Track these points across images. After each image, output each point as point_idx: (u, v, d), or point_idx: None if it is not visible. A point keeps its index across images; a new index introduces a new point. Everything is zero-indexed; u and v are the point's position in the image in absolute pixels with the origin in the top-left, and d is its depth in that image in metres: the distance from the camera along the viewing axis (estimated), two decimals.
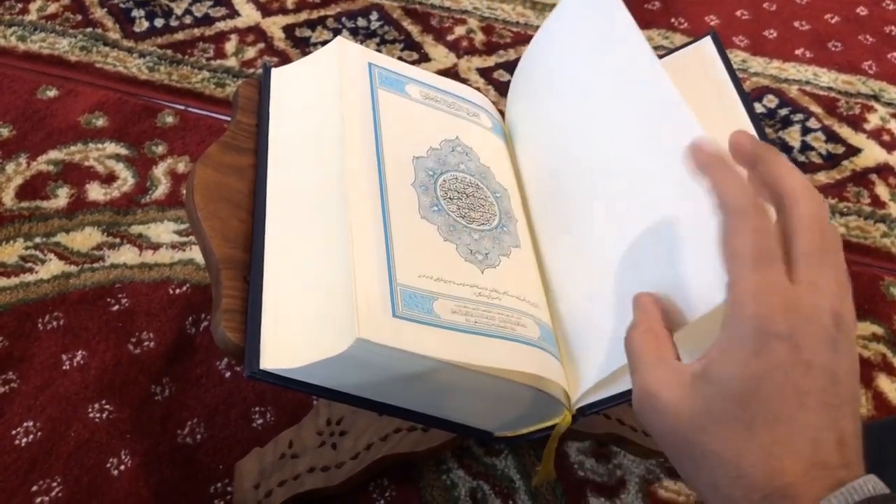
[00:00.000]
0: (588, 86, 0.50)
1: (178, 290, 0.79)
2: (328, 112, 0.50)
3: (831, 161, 0.98)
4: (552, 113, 0.52)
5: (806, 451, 0.31)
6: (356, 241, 0.42)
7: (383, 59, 0.55)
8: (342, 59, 0.52)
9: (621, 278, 0.44)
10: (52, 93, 0.97)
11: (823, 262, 0.34)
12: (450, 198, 0.48)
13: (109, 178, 0.88)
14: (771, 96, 1.05)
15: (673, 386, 0.35)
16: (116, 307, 0.77)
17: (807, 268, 0.33)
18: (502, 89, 1.03)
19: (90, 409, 0.71)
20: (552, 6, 1.16)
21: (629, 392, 0.42)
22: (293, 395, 0.71)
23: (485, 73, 1.06)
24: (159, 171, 0.90)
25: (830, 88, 1.07)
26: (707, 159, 0.36)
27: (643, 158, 0.44)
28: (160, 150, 0.92)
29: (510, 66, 1.06)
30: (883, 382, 0.77)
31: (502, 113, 0.60)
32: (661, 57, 0.53)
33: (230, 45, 1.06)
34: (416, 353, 0.39)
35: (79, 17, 1.08)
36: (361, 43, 1.08)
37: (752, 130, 0.48)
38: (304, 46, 1.07)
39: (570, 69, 0.52)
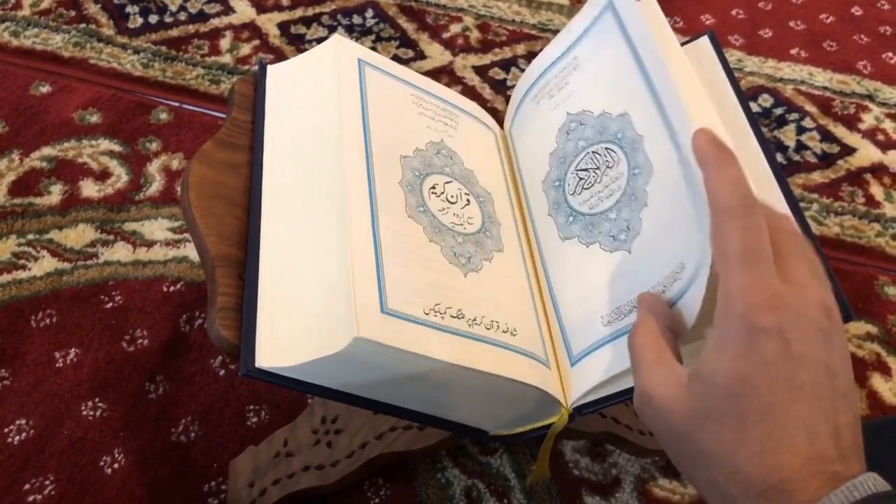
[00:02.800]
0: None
1: (171, 288, 0.79)
2: (324, 110, 0.50)
3: (826, 160, 0.98)
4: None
5: (802, 445, 0.32)
6: (354, 239, 0.42)
7: (377, 57, 0.55)
8: (339, 57, 0.52)
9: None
10: (45, 89, 0.96)
11: (809, 266, 0.35)
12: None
13: (103, 175, 0.88)
14: (766, 96, 1.05)
15: (669, 386, 0.35)
16: (110, 304, 0.77)
17: (796, 268, 0.34)
18: (497, 87, 1.03)
19: (83, 407, 0.70)
20: (547, 4, 1.16)
21: (626, 392, 0.42)
22: (288, 393, 0.71)
23: (480, 71, 1.05)
24: (153, 167, 0.89)
25: (825, 88, 1.07)
26: (703, 153, 0.36)
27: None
28: (154, 146, 0.91)
29: (506, 64, 1.06)
30: (877, 382, 0.78)
31: (495, 111, 0.60)
32: None
33: (225, 42, 1.06)
34: (413, 352, 0.39)
35: (72, 13, 1.08)
36: (357, 40, 1.08)
37: (748, 129, 0.48)
38: (300, 43, 1.07)
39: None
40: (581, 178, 0.50)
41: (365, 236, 0.42)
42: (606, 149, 0.48)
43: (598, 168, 0.49)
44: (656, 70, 0.45)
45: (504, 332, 0.43)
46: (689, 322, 0.38)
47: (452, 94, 0.58)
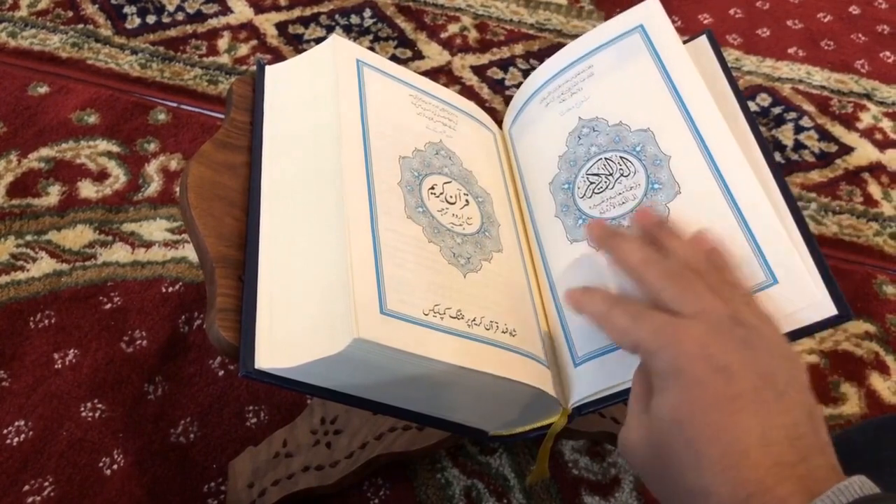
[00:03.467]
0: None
1: (170, 289, 0.79)
2: (323, 110, 0.50)
3: (824, 160, 0.98)
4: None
5: (759, 456, 0.32)
6: (353, 240, 0.42)
7: (375, 58, 0.55)
8: (337, 57, 0.52)
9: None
10: (43, 89, 0.96)
11: (696, 296, 0.37)
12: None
13: (101, 176, 0.88)
14: (764, 95, 1.05)
15: (638, 430, 0.37)
16: (109, 305, 0.77)
17: (684, 306, 0.36)
18: (496, 87, 1.03)
19: (82, 408, 0.70)
20: (545, 4, 1.16)
21: (625, 392, 0.42)
22: (287, 393, 0.71)
23: (478, 70, 1.05)
24: (151, 168, 0.89)
25: (823, 87, 1.07)
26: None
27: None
28: (152, 147, 0.91)
29: (504, 64, 1.06)
30: (876, 381, 0.78)
31: (493, 111, 0.60)
32: None
33: (223, 42, 1.06)
34: (413, 353, 0.39)
35: (70, 14, 1.07)
36: (355, 40, 1.08)
37: (746, 128, 0.48)
38: (298, 43, 1.07)
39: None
40: (592, 183, 0.50)
41: (364, 237, 0.42)
42: (621, 157, 0.49)
43: (611, 174, 0.49)
44: (698, 101, 0.48)
45: (503, 332, 0.43)
46: None
47: (451, 95, 0.58)
